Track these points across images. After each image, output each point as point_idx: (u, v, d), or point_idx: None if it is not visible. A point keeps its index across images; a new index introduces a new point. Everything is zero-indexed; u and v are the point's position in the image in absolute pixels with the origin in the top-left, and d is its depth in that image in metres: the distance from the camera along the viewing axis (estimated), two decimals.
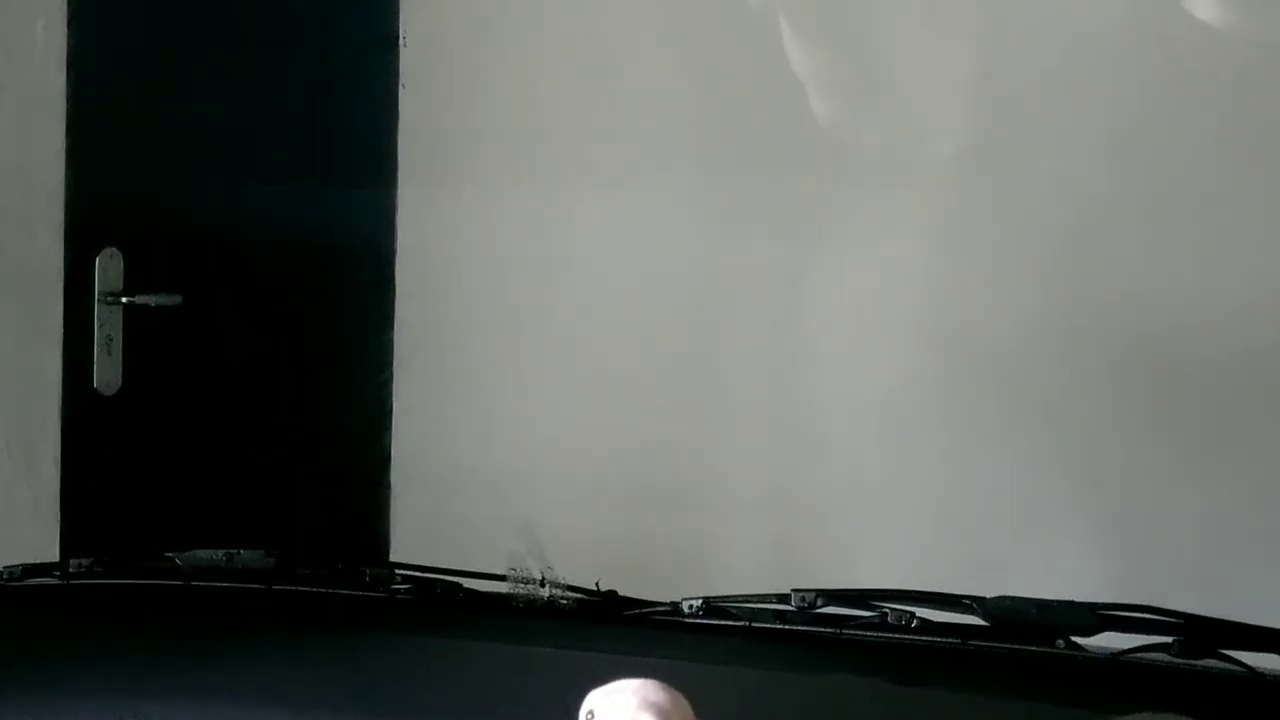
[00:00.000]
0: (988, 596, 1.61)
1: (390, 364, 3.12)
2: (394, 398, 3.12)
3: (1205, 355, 2.56)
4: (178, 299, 2.88)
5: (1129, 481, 2.64)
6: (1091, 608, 1.59)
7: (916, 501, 2.73)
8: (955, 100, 2.70)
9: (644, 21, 2.91)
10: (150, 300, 2.86)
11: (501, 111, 3.04)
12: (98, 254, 2.83)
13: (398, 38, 3.11)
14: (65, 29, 2.77)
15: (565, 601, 1.73)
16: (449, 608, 1.76)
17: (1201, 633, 1.55)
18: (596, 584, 1.76)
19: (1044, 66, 2.62)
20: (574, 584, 1.75)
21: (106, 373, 2.84)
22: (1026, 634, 1.60)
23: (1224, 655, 1.54)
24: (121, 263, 2.85)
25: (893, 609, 1.62)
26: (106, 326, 2.84)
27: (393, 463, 3.12)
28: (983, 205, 2.71)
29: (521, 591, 1.73)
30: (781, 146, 2.80)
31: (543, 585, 1.73)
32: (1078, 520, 2.64)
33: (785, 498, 2.85)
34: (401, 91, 3.12)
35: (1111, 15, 2.58)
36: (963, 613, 1.61)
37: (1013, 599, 1.61)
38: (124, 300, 2.84)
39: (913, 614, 1.62)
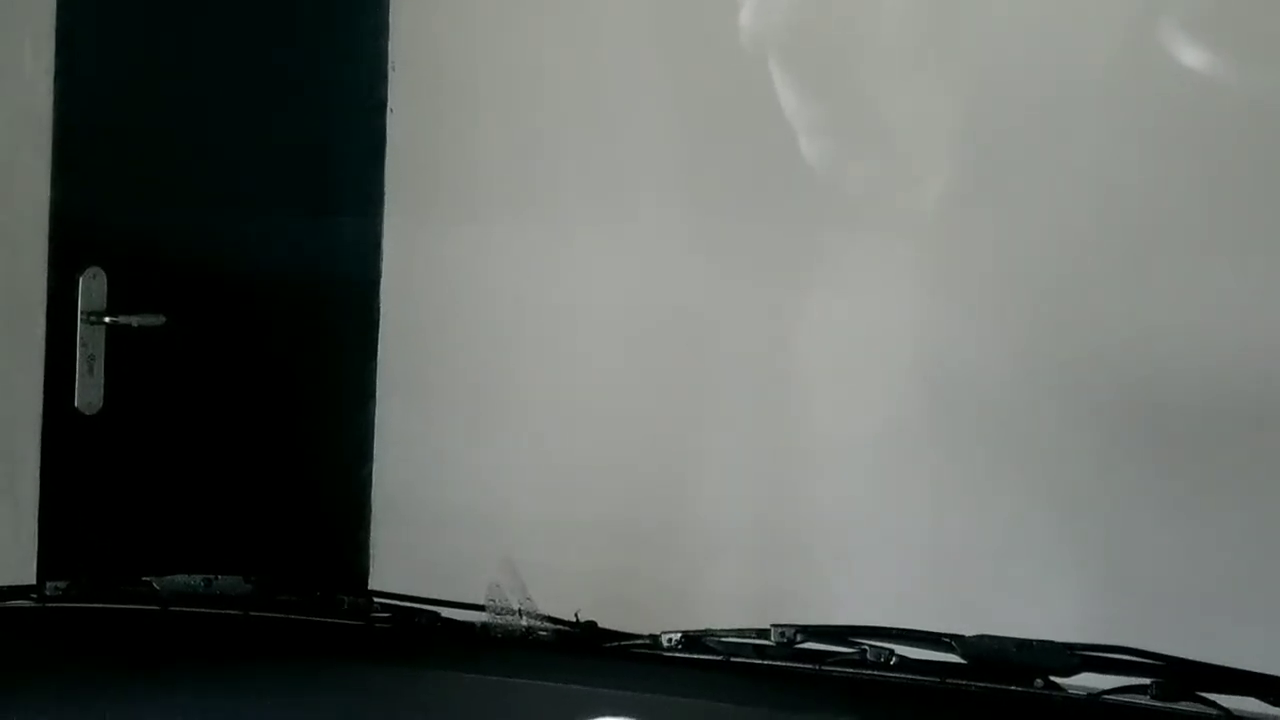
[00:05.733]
0: (967, 635, 1.61)
1: (373, 392, 3.12)
2: (376, 426, 3.12)
3: (1193, 398, 2.55)
4: (161, 319, 2.87)
5: (1115, 523, 2.63)
6: (1070, 648, 1.60)
7: (902, 541, 2.72)
8: (944, 144, 2.70)
9: (637, 57, 2.91)
10: (133, 320, 2.85)
11: (490, 142, 3.04)
12: (81, 273, 2.82)
13: (386, 61, 3.11)
14: (53, 50, 2.76)
15: (544, 633, 1.73)
16: (427, 638, 1.76)
17: (1180, 675, 1.56)
18: (575, 615, 1.75)
19: (1032, 110, 2.62)
20: (553, 615, 1.74)
21: (88, 392, 2.83)
22: (1005, 673, 1.60)
23: (1201, 698, 1.55)
24: (105, 282, 2.84)
25: (872, 646, 1.62)
26: (89, 346, 2.83)
27: (374, 492, 3.11)
28: (971, 247, 2.70)
29: (500, 622, 1.73)
30: (771, 187, 2.80)
31: (521, 616, 1.73)
32: (1063, 561, 2.64)
33: (770, 536, 2.84)
34: (390, 116, 3.12)
35: (1101, 59, 2.58)
36: (942, 651, 1.62)
37: (992, 638, 1.62)
38: (107, 320, 2.83)
39: (892, 651, 1.63)
